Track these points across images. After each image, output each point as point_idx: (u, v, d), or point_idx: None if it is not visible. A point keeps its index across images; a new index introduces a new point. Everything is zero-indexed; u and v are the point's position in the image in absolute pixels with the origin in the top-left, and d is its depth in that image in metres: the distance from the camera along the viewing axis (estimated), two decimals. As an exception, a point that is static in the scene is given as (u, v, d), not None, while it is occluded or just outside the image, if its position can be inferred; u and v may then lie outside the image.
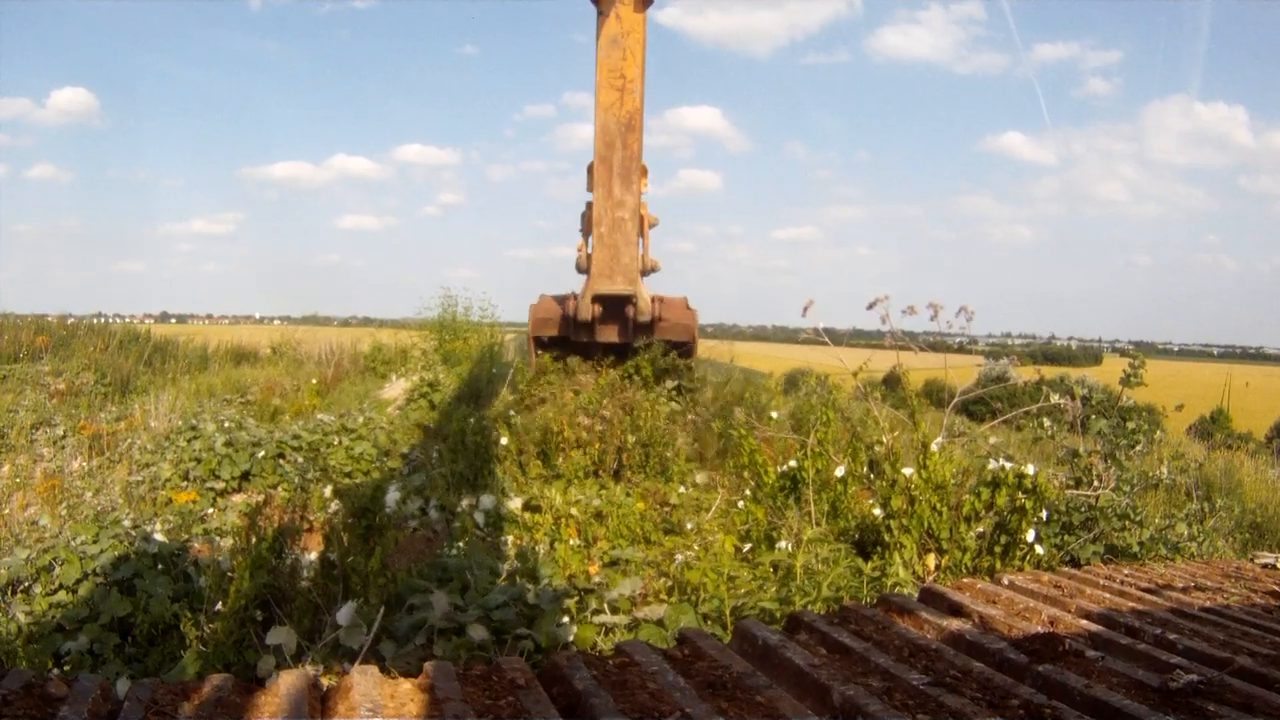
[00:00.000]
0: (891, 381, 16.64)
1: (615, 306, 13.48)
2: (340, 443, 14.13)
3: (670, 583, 7.03)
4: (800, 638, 3.16)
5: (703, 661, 2.93)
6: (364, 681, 2.75)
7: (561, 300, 14.84)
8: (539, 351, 14.95)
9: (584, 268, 13.94)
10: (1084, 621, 3.77)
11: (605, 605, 6.42)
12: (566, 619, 6.05)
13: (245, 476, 13.30)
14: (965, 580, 4.24)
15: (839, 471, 8.83)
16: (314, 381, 21.12)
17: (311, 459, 13.75)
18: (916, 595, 4.24)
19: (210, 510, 11.97)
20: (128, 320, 40.25)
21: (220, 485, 12.96)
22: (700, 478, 11.75)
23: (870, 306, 8.40)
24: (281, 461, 13.65)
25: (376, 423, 14.64)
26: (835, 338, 9.52)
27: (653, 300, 13.74)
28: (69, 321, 30.15)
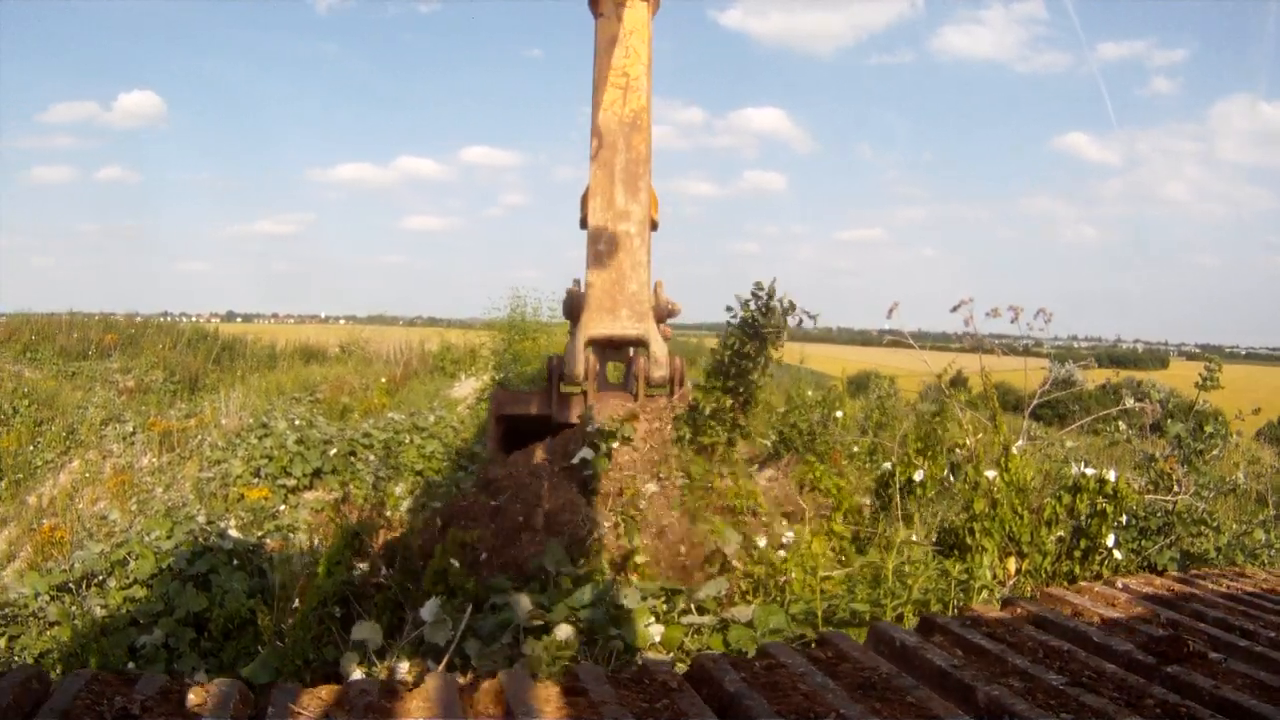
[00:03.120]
0: (957, 384, 16.30)
1: (618, 355, 10.47)
2: (412, 441, 14.17)
3: (754, 583, 7.01)
4: (935, 639, 3.16)
5: (846, 663, 2.92)
6: (512, 683, 2.76)
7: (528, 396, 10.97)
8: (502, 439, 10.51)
9: (575, 310, 10.25)
10: (1201, 624, 3.76)
11: (692, 606, 6.42)
12: (653, 619, 6.04)
13: (317, 474, 13.36)
14: (1083, 584, 4.24)
15: (918, 475, 8.81)
16: (383, 380, 21.23)
17: (383, 457, 13.82)
18: (1002, 599, 4.25)
19: (282, 507, 12.07)
20: (194, 319, 40.82)
21: (292, 482, 13.04)
22: (766, 475, 11.76)
23: (954, 309, 8.35)
24: (353, 459, 13.73)
25: (447, 421, 14.68)
26: (904, 339, 9.51)
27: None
28: (136, 320, 30.54)
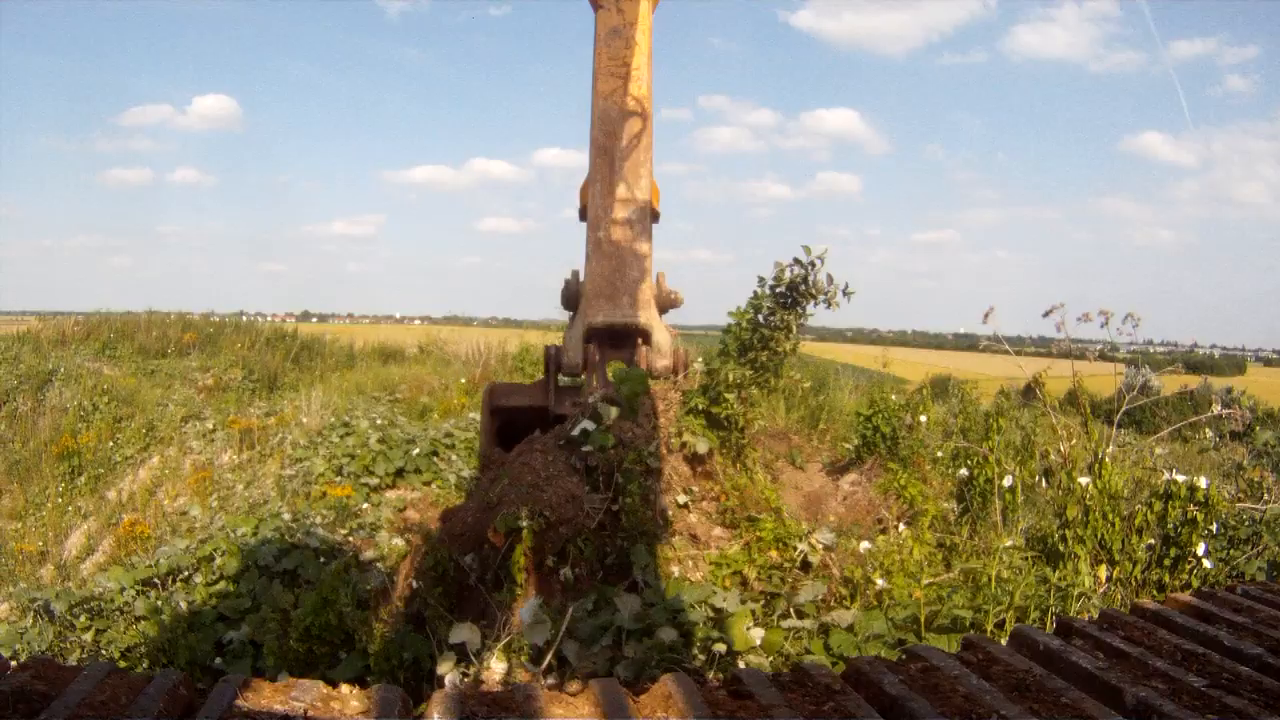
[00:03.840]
0: (1030, 391, 16.11)
1: (619, 345, 9.87)
2: None
3: (851, 589, 7.02)
4: (1075, 643, 3.20)
5: (997, 665, 2.95)
6: (680, 687, 2.79)
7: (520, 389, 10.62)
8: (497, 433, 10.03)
9: (571, 301, 10.11)
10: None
11: (792, 610, 6.46)
12: (752, 621, 6.07)
13: (399, 473, 13.45)
14: (1204, 589, 4.26)
15: (1006, 481, 8.79)
16: (463, 381, 21.36)
17: (465, 457, 13.90)
18: (1128, 605, 4.26)
19: (365, 505, 12.11)
20: (269, 319, 41.25)
21: (374, 481, 13.14)
22: (849, 479, 11.77)
23: (1046, 314, 8.33)
24: (435, 459, 13.82)
25: None
26: (999, 345, 9.48)
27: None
28: (214, 319, 30.95)
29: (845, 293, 8.51)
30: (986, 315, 8.51)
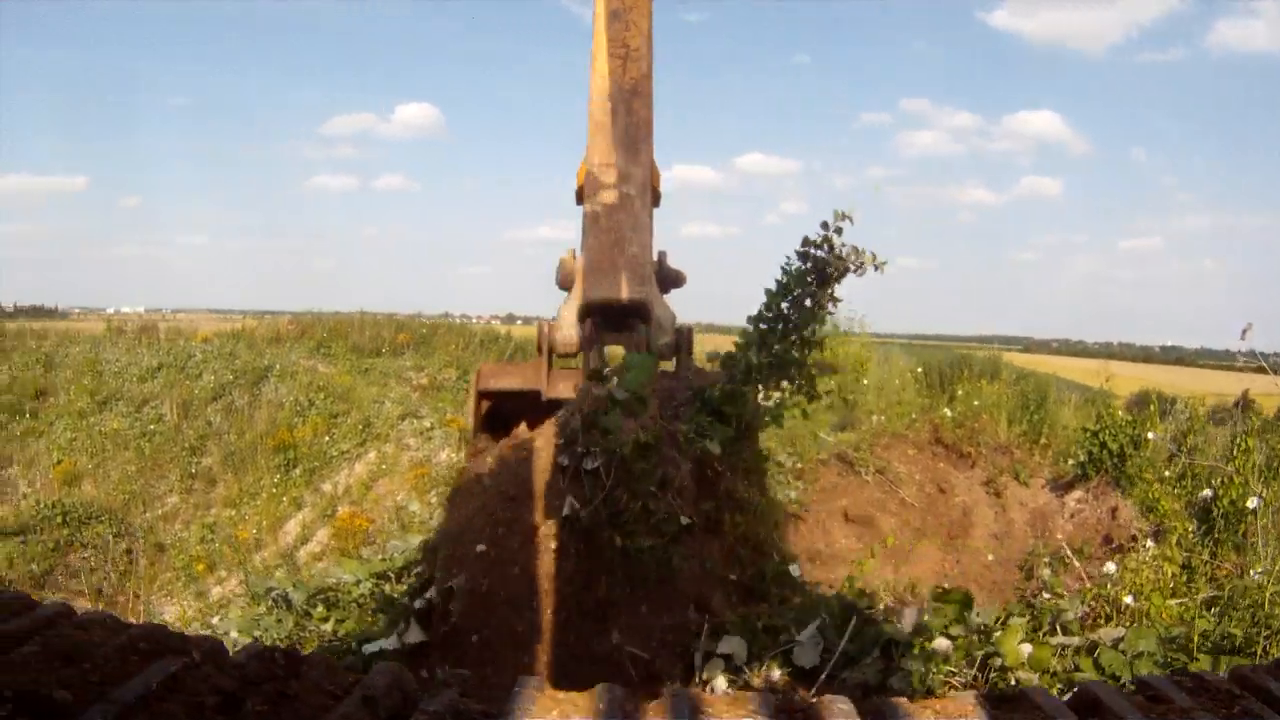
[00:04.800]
0: (1244, 406, 15.40)
1: (617, 324, 9.03)
2: None
3: (1105, 608, 7.01)
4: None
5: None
6: (1046, 700, 2.89)
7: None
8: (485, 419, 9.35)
9: (567, 280, 9.25)
10: None
11: (1057, 626, 6.47)
12: (1022, 636, 6.07)
13: None
14: None
15: (1252, 502, 8.63)
16: None
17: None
18: None
19: None
20: (474, 320, 42.03)
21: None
22: (1075, 496, 11.69)
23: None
24: None
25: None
26: (1185, 356, 9.31)
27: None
28: (423, 320, 31.69)
29: (876, 265, 7.77)
30: (1244, 332, 8.28)
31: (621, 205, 8.71)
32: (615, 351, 9.30)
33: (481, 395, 9.08)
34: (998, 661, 5.61)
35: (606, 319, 8.70)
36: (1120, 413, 12.68)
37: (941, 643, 5.68)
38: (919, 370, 17.39)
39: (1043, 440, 14.04)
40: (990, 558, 11.86)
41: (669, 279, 9.47)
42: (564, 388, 8.48)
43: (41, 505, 18.77)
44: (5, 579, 16.39)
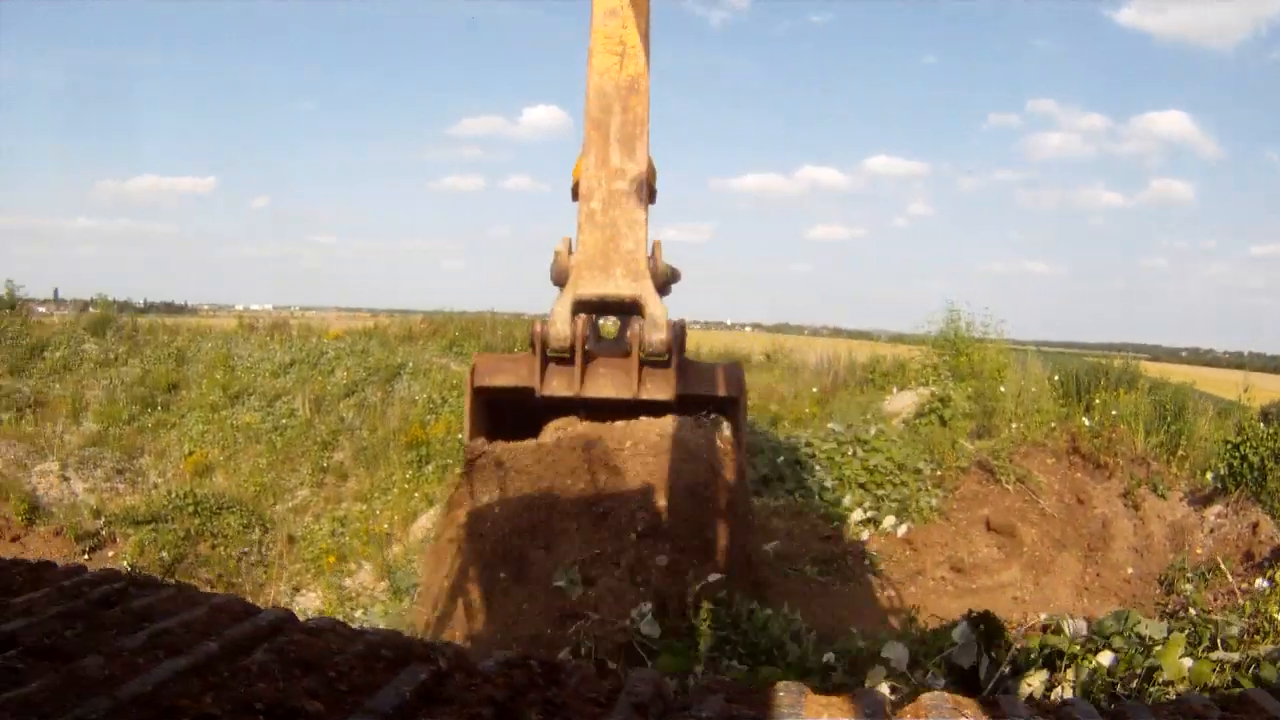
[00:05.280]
0: None
1: (610, 319, 9.55)
2: (854, 453, 14.30)
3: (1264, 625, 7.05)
4: None
5: None
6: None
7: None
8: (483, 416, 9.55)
9: (561, 276, 9.33)
10: None
11: (1217, 641, 6.57)
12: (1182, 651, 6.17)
13: (764, 481, 13.75)
14: None
15: None
16: (815, 390, 21.59)
17: (827, 468, 14.10)
18: None
19: None
20: (603, 322, 42.22)
21: (738, 490, 13.60)
22: (1214, 511, 11.67)
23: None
24: (799, 468, 14.08)
25: (888, 435, 14.86)
26: None
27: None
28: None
29: None
30: None
31: (617, 201, 8.90)
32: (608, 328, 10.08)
33: (477, 392, 9.28)
34: (1160, 675, 5.75)
35: (600, 315, 9.19)
36: (1261, 425, 12.54)
37: (1107, 656, 5.84)
38: (1055, 378, 17.25)
39: (1180, 452, 13.95)
40: (1130, 571, 11.87)
41: (664, 275, 9.61)
42: (557, 384, 8.85)
43: (173, 495, 19.32)
44: (136, 566, 16.69)
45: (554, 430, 9.03)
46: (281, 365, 26.28)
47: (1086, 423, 14.46)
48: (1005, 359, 19.68)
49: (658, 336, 8.75)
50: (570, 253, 9.20)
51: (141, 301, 52.31)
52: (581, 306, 8.94)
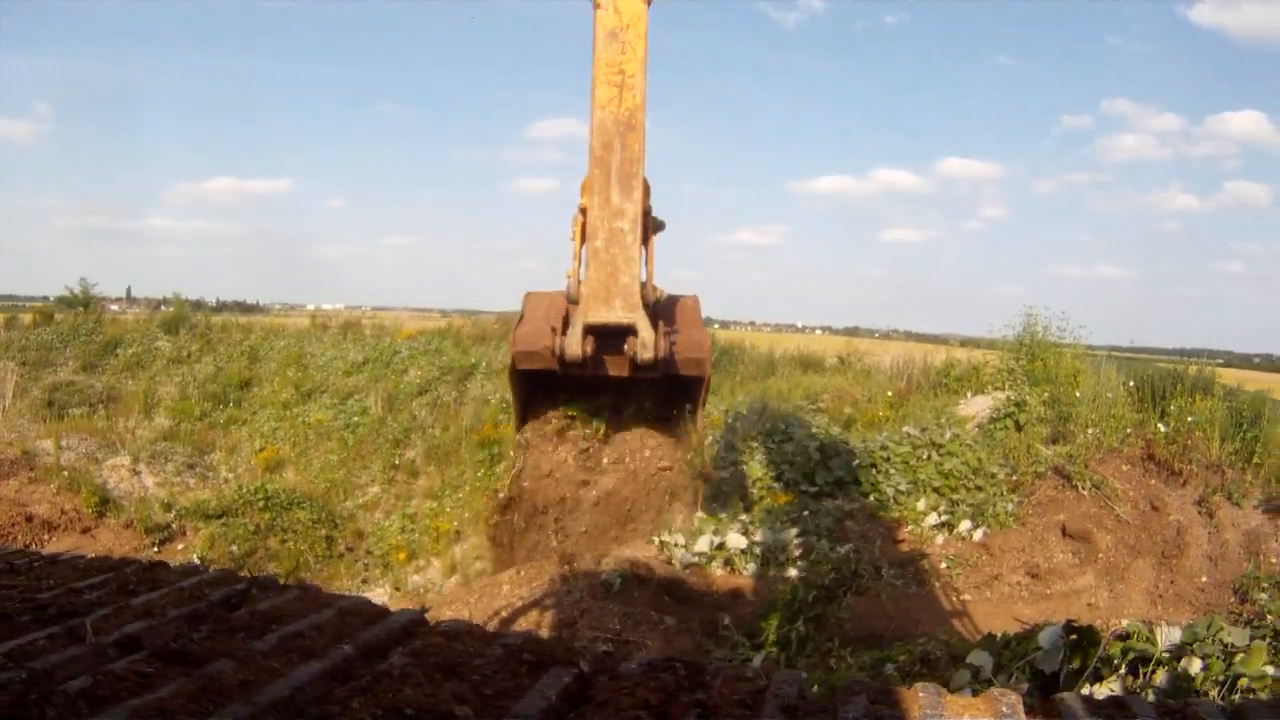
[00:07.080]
0: None
1: (612, 340, 10.91)
2: (929, 457, 14.41)
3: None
4: None
5: None
6: None
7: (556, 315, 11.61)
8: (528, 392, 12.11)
9: (575, 296, 11.05)
10: None
11: (1296, 651, 6.65)
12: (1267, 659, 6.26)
13: (838, 483, 13.94)
14: None
15: None
16: (889, 394, 21.64)
17: (902, 471, 14.23)
18: None
19: (806, 513, 12.66)
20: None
21: (814, 489, 13.75)
22: None
23: None
24: (874, 471, 14.23)
25: (963, 439, 14.99)
26: None
27: (663, 334, 10.73)
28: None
29: None
30: None
31: (616, 240, 10.37)
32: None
33: (518, 375, 11.42)
34: (1244, 683, 5.85)
35: (604, 337, 10.58)
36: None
37: (1195, 663, 5.95)
38: (1130, 384, 17.21)
39: (1255, 459, 13.96)
40: (1204, 579, 11.93)
41: (653, 303, 11.18)
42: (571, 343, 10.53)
43: (243, 490, 19.67)
44: (206, 559, 17.24)
45: None
46: (354, 364, 26.69)
47: (1162, 429, 14.49)
48: (1080, 364, 19.63)
49: (646, 355, 10.55)
50: (579, 281, 10.83)
51: (215, 300, 53.06)
52: (590, 330, 10.51)
